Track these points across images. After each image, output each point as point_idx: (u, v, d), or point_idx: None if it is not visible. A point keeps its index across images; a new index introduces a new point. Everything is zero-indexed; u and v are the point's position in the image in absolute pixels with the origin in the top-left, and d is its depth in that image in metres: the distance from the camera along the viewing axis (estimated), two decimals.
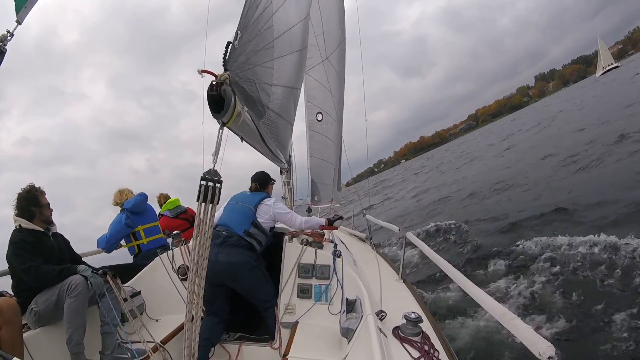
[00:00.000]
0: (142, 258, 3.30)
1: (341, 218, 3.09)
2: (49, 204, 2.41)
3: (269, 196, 2.83)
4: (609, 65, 72.43)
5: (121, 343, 2.23)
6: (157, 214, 4.00)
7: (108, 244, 3.39)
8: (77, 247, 2.73)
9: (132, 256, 3.55)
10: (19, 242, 2.18)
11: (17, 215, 2.28)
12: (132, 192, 3.55)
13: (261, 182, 2.90)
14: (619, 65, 69.42)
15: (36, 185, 2.38)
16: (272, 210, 2.66)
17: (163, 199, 4.55)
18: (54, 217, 2.45)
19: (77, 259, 2.58)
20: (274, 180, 3.10)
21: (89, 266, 2.41)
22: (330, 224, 2.98)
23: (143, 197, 3.53)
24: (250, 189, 2.89)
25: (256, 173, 2.97)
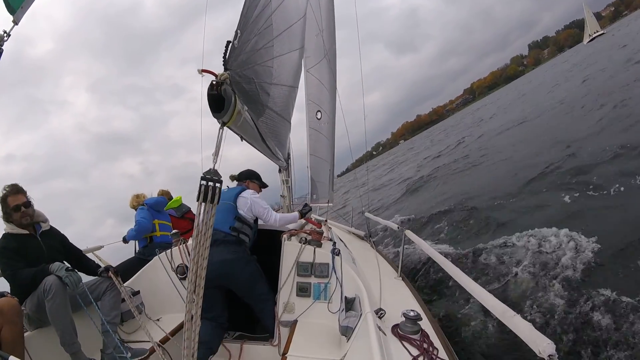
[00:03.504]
0: (151, 248, 3.51)
1: (310, 210, 3.26)
2: (19, 205, 2.22)
3: (246, 189, 2.85)
4: (595, 33, 72.66)
5: (121, 342, 2.22)
6: None
7: (139, 235, 3.78)
8: None
9: (141, 248, 3.79)
10: (1, 249, 2.15)
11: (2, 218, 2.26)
12: (146, 196, 4.07)
13: (240, 176, 3.04)
14: (605, 32, 69.59)
15: (6, 188, 2.24)
16: (249, 202, 2.66)
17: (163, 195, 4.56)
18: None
19: (75, 255, 2.56)
20: (264, 184, 3.15)
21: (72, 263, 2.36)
22: (302, 217, 3.11)
23: (163, 200, 4.13)
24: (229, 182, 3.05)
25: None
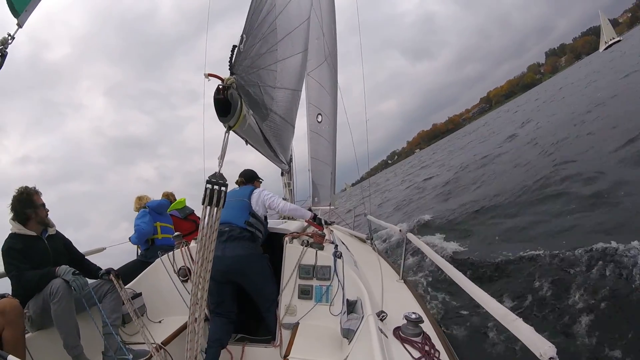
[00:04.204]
0: (153, 251, 3.47)
1: (320, 223, 3.10)
2: (44, 204, 2.36)
3: (256, 188, 2.96)
4: (611, 40, 72.77)
5: (123, 344, 2.23)
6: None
7: (140, 241, 3.73)
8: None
9: (143, 250, 3.76)
10: (7, 249, 2.17)
11: (12, 219, 2.27)
12: (150, 198, 4.03)
13: (247, 177, 3.10)
14: (621, 39, 69.40)
15: (30, 186, 2.33)
16: (260, 197, 2.74)
17: (167, 197, 4.54)
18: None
19: (78, 259, 2.57)
20: (262, 179, 3.26)
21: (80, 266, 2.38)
22: (319, 223, 3.05)
23: (166, 202, 4.13)
24: (236, 182, 3.08)
25: (243, 170, 3.17)
